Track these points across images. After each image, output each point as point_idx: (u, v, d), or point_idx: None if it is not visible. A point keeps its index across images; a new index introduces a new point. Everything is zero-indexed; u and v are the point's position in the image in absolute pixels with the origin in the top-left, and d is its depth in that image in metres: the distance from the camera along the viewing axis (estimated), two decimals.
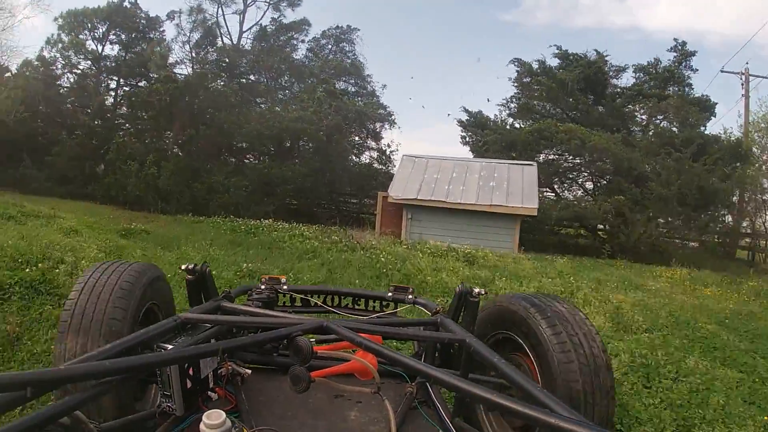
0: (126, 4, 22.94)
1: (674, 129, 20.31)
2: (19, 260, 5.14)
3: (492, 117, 24.27)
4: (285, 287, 3.17)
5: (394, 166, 23.89)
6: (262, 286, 3.06)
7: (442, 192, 15.44)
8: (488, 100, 47.41)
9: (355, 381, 1.97)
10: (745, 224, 20.11)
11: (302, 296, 3.34)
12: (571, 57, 23.19)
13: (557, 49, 23.59)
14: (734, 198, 19.06)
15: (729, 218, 19.75)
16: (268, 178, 18.89)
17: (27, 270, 4.80)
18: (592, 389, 1.96)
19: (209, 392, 2.03)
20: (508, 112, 25.29)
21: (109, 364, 1.50)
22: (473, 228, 14.96)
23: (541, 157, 20.67)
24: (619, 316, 6.38)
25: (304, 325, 1.96)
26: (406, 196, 15.25)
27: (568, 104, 22.85)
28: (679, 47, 22.45)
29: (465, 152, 23.82)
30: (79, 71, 22.50)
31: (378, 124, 24.30)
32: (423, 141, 49.20)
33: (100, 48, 22.66)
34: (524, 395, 1.59)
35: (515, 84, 24.67)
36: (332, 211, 21.94)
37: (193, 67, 22.88)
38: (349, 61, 27.36)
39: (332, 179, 21.55)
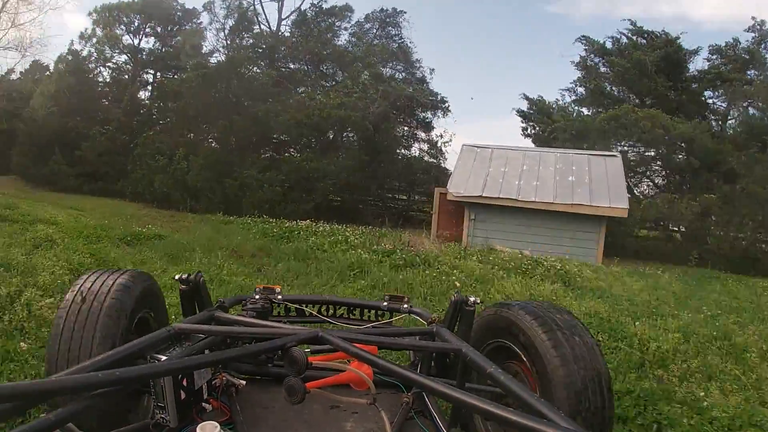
0: None
1: (765, 117, 17.73)
2: None
3: (555, 104, 21.73)
4: (279, 297, 3.07)
5: (446, 159, 21.69)
6: (257, 296, 2.96)
7: (511, 188, 12.95)
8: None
9: (350, 392, 1.97)
10: None
11: (297, 306, 3.22)
12: (646, 35, 20.16)
13: (631, 24, 20.52)
14: None
15: None
16: (307, 173, 16.84)
17: None
18: (591, 400, 1.88)
19: (203, 403, 1.99)
20: (574, 97, 22.60)
21: (102, 376, 1.44)
22: (550, 232, 12.66)
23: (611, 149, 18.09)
24: None
25: (298, 336, 1.92)
26: (469, 193, 12.85)
27: (644, 88, 19.83)
28: (758, 26, 19.12)
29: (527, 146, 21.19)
30: (113, 65, 22.60)
31: (429, 113, 22.00)
32: (475, 137, 45.72)
33: (136, 41, 22.64)
34: (522, 405, 1.54)
35: (578, 67, 22.32)
36: (379, 209, 19.90)
37: (227, 54, 21.17)
38: (395, 45, 24.94)
39: (379, 173, 19.52)
